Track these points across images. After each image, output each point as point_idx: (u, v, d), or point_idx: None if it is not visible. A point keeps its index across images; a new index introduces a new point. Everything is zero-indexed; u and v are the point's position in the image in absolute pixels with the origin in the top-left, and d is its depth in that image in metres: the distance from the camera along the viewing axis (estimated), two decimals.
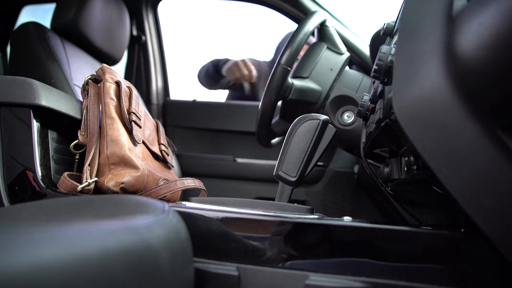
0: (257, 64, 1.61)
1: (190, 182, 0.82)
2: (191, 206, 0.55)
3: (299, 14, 1.35)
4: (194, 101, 1.59)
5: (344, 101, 0.96)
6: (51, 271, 0.27)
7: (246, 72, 1.48)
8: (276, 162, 0.62)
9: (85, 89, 0.79)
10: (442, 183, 0.35)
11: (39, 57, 1.00)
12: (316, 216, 0.53)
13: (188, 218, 0.50)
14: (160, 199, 0.75)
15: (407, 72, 0.35)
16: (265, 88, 0.89)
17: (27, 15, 1.50)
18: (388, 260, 0.45)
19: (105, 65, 0.82)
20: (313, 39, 1.09)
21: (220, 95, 1.78)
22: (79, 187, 0.68)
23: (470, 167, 0.33)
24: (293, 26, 1.49)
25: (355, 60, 1.34)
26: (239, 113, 1.53)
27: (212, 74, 1.55)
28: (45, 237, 0.31)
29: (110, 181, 0.70)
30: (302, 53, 1.29)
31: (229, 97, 1.72)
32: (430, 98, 0.33)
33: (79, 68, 1.08)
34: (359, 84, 0.97)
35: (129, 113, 0.78)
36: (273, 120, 1.07)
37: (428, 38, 0.35)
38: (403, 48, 0.36)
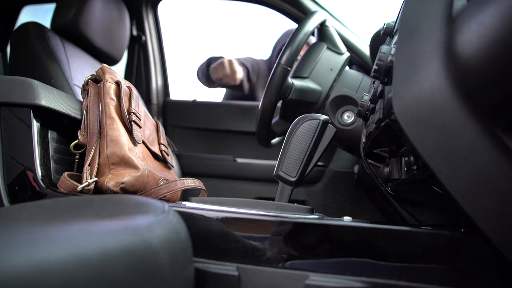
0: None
1: (190, 182, 0.82)
2: (191, 206, 0.55)
3: (299, 14, 1.35)
4: (194, 101, 1.58)
5: (344, 101, 0.96)
6: (51, 271, 0.27)
7: (228, 72, 1.42)
8: (276, 162, 0.62)
9: (85, 89, 0.79)
10: (442, 183, 0.35)
11: (39, 57, 1.00)
12: (316, 216, 0.53)
13: (188, 218, 0.50)
14: (160, 199, 0.75)
15: (407, 72, 0.35)
16: (265, 88, 0.89)
17: (27, 15, 1.50)
18: (388, 260, 0.45)
19: (105, 65, 0.82)
20: (313, 39, 1.09)
21: (220, 95, 1.77)
22: (79, 187, 0.68)
23: (470, 167, 0.33)
24: (292, 25, 1.48)
25: (355, 60, 1.34)
26: (239, 113, 1.53)
27: (206, 72, 1.53)
28: (45, 237, 0.31)
29: (110, 181, 0.70)
30: (302, 53, 1.29)
31: (226, 96, 1.71)
32: (430, 98, 0.33)
33: (79, 68, 1.08)
34: (359, 84, 0.97)
35: (129, 113, 0.78)
36: (273, 120, 1.07)
37: (428, 38, 0.35)
38: (403, 48, 0.36)
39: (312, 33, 0.95)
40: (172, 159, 0.95)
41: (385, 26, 0.58)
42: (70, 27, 1.08)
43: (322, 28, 1.02)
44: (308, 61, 0.98)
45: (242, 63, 1.54)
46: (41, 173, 0.69)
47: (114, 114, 0.75)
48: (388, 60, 0.41)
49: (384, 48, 0.41)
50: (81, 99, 0.80)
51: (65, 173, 0.69)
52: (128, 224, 0.37)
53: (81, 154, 0.76)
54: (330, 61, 0.99)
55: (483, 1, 0.32)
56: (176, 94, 1.68)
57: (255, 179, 1.46)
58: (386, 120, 0.42)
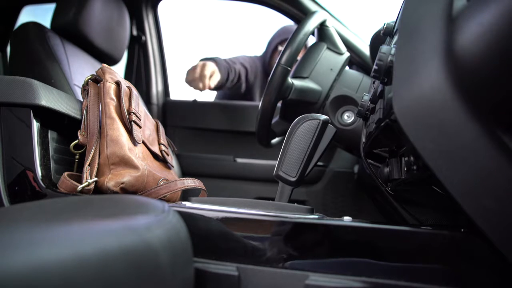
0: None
1: (190, 182, 0.82)
2: (191, 206, 0.55)
3: (299, 14, 1.35)
4: (194, 101, 1.58)
5: (344, 101, 0.97)
6: (51, 271, 0.28)
7: (197, 76, 1.32)
8: (276, 162, 0.62)
9: (85, 89, 0.79)
10: (442, 183, 0.35)
11: (39, 57, 1.00)
12: (316, 216, 0.53)
13: (188, 218, 0.50)
14: (160, 199, 0.75)
15: (407, 72, 0.35)
16: (265, 88, 0.89)
17: (27, 15, 1.50)
18: (388, 260, 0.45)
19: (105, 65, 0.82)
20: (313, 39, 1.09)
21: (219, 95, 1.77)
22: (79, 187, 0.68)
23: (470, 167, 0.33)
24: (288, 22, 1.48)
25: (355, 60, 1.34)
26: (239, 113, 1.53)
27: None
28: (45, 237, 0.31)
29: (110, 181, 0.70)
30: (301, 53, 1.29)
31: (218, 96, 1.71)
32: (430, 98, 0.33)
33: (79, 68, 1.08)
34: (359, 84, 0.97)
35: (129, 113, 0.78)
36: (273, 120, 1.07)
37: (428, 38, 0.35)
38: (403, 48, 0.36)
39: (312, 33, 0.95)
40: (172, 159, 0.95)
41: (385, 26, 0.58)
42: (70, 27, 1.08)
43: (322, 28, 1.02)
44: (308, 61, 0.98)
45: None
46: (41, 173, 0.69)
47: (114, 114, 0.75)
48: (388, 60, 0.41)
49: (384, 48, 0.41)
50: (81, 99, 0.80)
51: (65, 173, 0.69)
52: (128, 224, 0.37)
53: (81, 154, 0.76)
54: (330, 61, 0.99)
55: (483, 1, 0.32)
56: (176, 94, 1.68)
57: (255, 179, 1.46)
58: (386, 120, 0.42)
